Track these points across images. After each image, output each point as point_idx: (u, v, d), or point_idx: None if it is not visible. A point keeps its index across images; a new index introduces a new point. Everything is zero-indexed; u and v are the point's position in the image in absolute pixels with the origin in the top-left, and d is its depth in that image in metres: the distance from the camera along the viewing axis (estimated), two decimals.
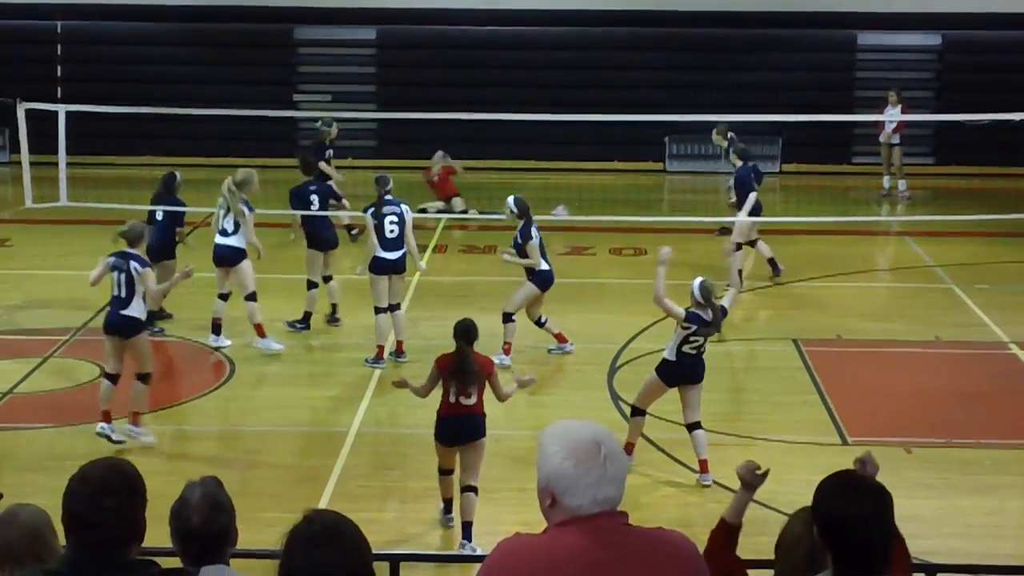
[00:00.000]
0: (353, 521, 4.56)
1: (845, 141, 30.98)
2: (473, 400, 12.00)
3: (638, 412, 13.76)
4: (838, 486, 5.15)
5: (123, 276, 13.94)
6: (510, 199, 16.89)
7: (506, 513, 12.36)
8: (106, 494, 4.63)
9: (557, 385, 16.23)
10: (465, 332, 12.12)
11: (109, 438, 13.89)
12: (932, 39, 31.27)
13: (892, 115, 27.36)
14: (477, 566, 4.59)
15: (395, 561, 7.66)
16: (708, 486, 13.21)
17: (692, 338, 13.44)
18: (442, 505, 12.51)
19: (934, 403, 15.80)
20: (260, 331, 17.13)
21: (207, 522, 5.26)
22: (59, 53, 31.23)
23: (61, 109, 21.46)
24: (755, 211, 20.70)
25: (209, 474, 5.60)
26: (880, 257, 24.30)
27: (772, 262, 21.01)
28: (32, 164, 20.79)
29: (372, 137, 31.42)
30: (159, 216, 18.47)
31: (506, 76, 30.25)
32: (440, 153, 25.49)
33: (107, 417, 14.00)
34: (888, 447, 14.16)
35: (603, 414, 14.79)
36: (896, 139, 27.93)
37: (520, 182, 28.18)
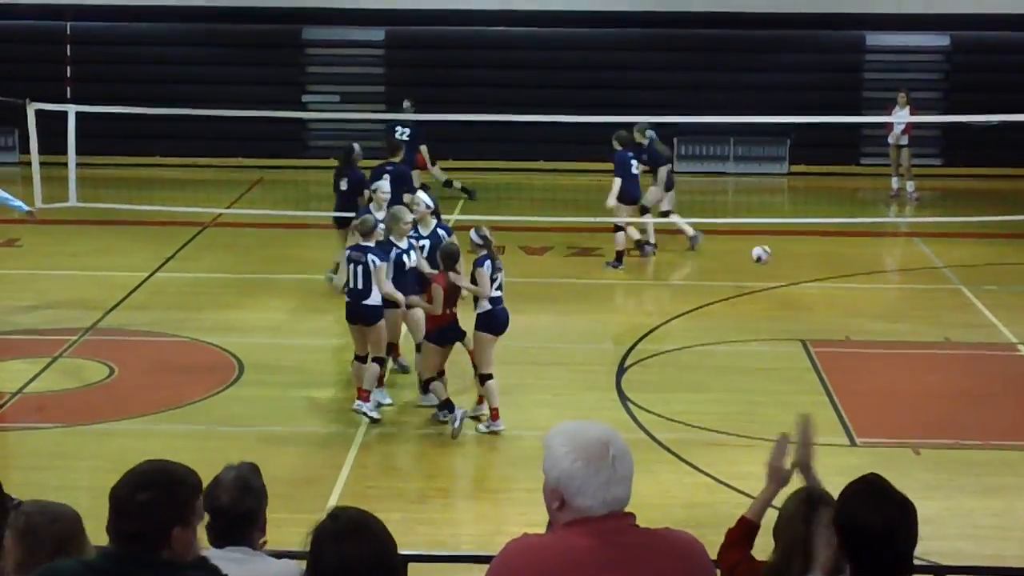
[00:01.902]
0: (376, 516, 4.62)
1: (853, 142, 30.98)
2: (457, 309, 14.48)
3: (488, 377, 14.46)
4: (864, 495, 5.09)
5: (360, 268, 14.54)
6: (423, 194, 16.30)
7: (513, 514, 12.38)
8: (140, 489, 4.72)
9: (565, 386, 16.23)
10: (453, 256, 14.43)
11: (366, 414, 14.66)
12: (940, 40, 31.25)
13: (901, 116, 27.34)
14: (485, 567, 4.61)
15: (403, 561, 7.69)
16: (498, 432, 14.36)
17: (494, 277, 14.40)
18: (445, 408, 14.49)
19: (942, 404, 15.79)
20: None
21: (235, 502, 5.63)
22: (69, 53, 31.27)
23: (71, 109, 21.53)
24: (628, 197, 21.48)
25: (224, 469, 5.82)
26: (888, 258, 24.29)
27: (639, 243, 21.87)
28: (42, 164, 20.85)
29: (380, 138, 31.37)
30: (343, 187, 19.69)
31: (515, 77, 30.26)
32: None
33: (363, 395, 14.73)
34: (896, 448, 14.19)
35: (611, 414, 14.80)
36: (905, 140, 27.92)
37: (528, 183, 28.23)
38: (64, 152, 21.08)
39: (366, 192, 18.07)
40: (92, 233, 23.67)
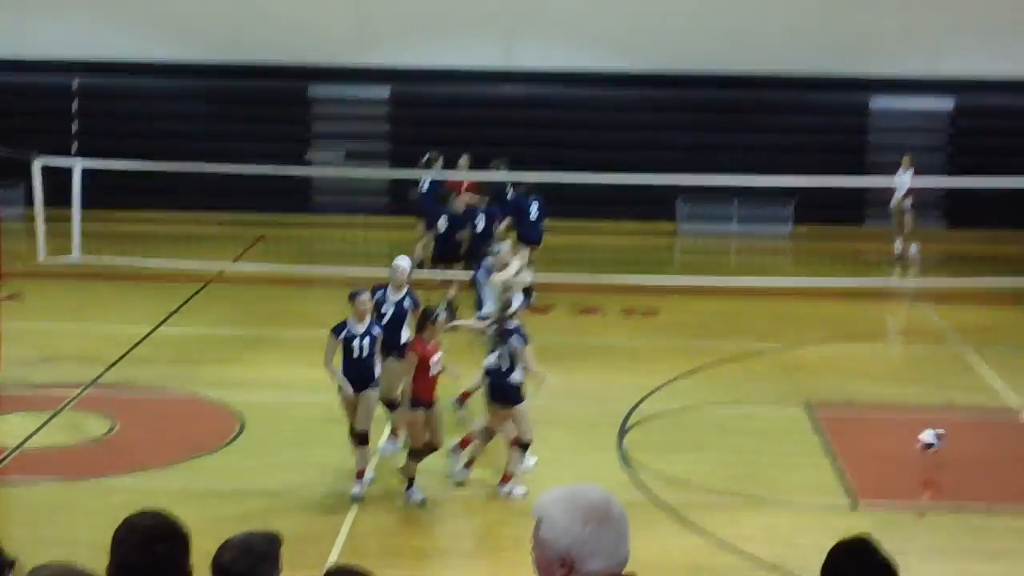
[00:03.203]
0: (374, 574, 4.60)
1: (857, 204, 31.01)
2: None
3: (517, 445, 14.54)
4: (850, 553, 5.11)
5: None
6: (404, 258, 16.14)
7: (515, 574, 12.30)
8: (155, 541, 4.73)
9: (566, 446, 16.18)
10: (422, 317, 14.25)
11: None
12: (944, 103, 31.36)
13: (904, 179, 27.41)
14: None
15: None
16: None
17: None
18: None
19: (946, 467, 15.71)
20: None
21: (233, 561, 5.65)
22: (75, 108, 31.40)
23: (76, 164, 21.55)
24: (527, 239, 23.02)
25: (241, 531, 5.81)
26: (892, 320, 24.28)
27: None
28: (46, 218, 20.86)
29: (384, 194, 31.51)
30: (440, 228, 22.54)
31: (519, 135, 30.33)
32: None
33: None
34: (900, 512, 14.12)
35: (612, 475, 14.75)
36: (908, 202, 27.97)
37: None
38: (69, 206, 21.12)
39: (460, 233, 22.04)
40: (95, 287, 23.69)
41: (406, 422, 14.45)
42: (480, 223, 22.67)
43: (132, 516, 4.91)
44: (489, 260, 17.65)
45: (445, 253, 22.76)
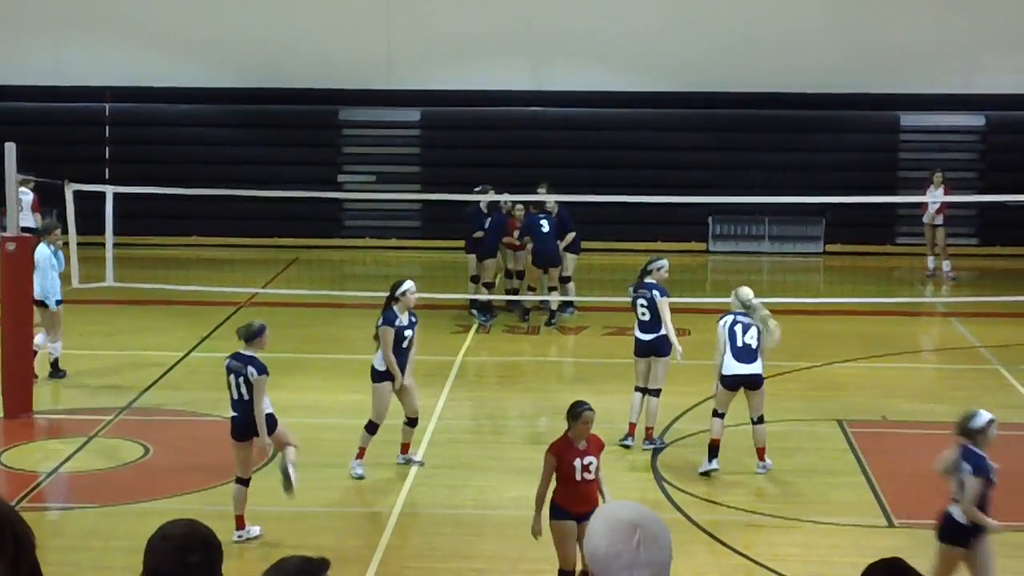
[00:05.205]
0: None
1: (889, 221, 30.96)
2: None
3: None
4: (883, 573, 5.10)
5: (241, 379, 13.58)
6: (410, 283, 15.65)
7: None
8: (188, 550, 4.73)
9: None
10: (567, 414, 12.02)
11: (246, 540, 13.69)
12: (975, 120, 31.28)
13: (936, 196, 27.34)
14: None
15: None
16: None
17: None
18: None
19: None
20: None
21: None
22: (107, 135, 31.57)
23: (109, 190, 21.66)
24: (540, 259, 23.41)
25: (294, 555, 5.78)
26: (925, 338, 24.18)
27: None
28: (79, 244, 20.97)
29: (416, 218, 31.58)
30: (487, 225, 23.06)
31: (550, 157, 30.37)
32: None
33: (240, 523, 13.80)
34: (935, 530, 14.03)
35: (647, 495, 14.74)
36: (940, 220, 27.89)
37: None
38: (102, 232, 21.22)
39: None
40: (129, 313, 23.78)
41: (552, 532, 11.96)
42: (545, 226, 22.99)
43: (166, 524, 4.93)
44: (653, 277, 17.30)
45: (484, 251, 23.09)
